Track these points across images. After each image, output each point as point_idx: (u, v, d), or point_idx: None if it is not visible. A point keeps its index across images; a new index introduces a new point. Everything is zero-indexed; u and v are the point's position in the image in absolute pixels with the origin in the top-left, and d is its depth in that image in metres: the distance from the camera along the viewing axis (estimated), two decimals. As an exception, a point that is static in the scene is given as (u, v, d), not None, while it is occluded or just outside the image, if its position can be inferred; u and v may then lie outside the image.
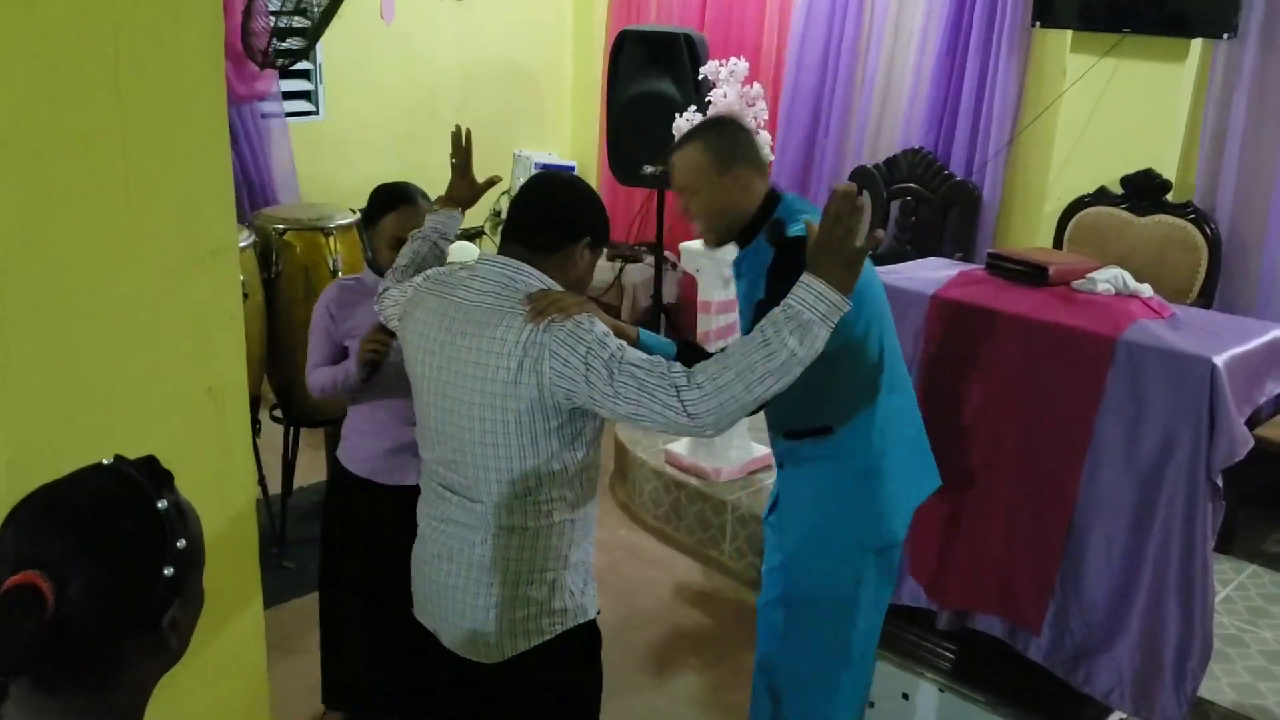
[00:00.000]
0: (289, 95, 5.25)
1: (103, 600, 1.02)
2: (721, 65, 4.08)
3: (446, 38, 5.72)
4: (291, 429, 4.13)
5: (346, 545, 2.83)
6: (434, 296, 2.02)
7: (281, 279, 3.87)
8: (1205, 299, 4.05)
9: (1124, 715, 2.89)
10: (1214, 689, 2.96)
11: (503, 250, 2.01)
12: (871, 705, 3.11)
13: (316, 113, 5.36)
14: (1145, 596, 2.59)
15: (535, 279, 1.95)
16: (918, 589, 3.00)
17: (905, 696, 3.08)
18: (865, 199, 1.84)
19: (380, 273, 2.73)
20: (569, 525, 2.00)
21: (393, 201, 2.71)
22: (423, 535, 2.11)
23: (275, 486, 4.09)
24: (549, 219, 2.00)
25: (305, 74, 5.29)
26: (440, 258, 2.43)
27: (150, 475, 1.09)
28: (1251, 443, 2.48)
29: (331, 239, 3.93)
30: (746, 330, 2.39)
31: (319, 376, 2.74)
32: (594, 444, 2.00)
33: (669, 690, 3.44)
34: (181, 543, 1.08)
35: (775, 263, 2.20)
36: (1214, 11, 3.98)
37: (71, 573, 1.01)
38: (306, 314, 3.78)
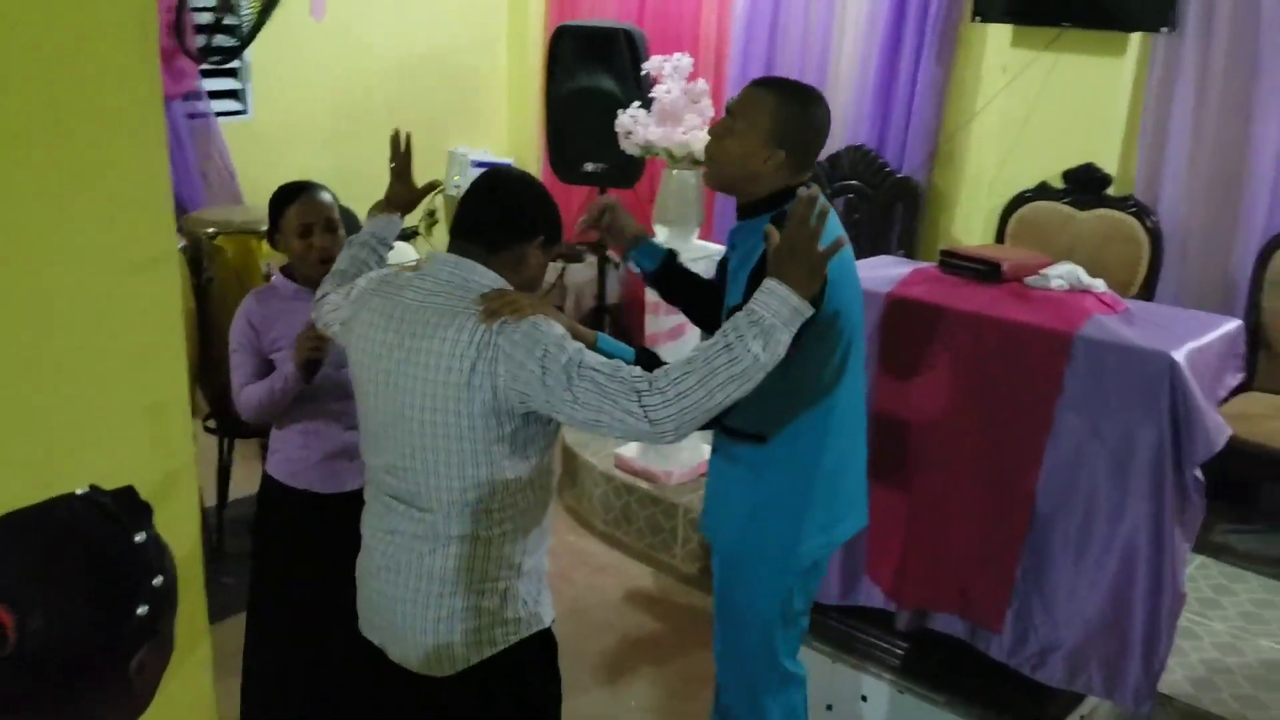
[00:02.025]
0: (216, 95, 5.09)
1: (68, 637, 0.94)
2: (665, 61, 4.02)
3: (378, 34, 5.59)
4: (226, 440, 4.00)
5: (285, 560, 2.72)
6: (380, 298, 1.95)
7: (214, 285, 3.75)
8: (1147, 292, 4.09)
9: (1084, 714, 2.89)
10: (1170, 682, 2.97)
11: (452, 249, 1.94)
12: (830, 708, 3.09)
13: (245, 112, 5.21)
14: (1112, 589, 2.58)
15: (487, 279, 1.89)
16: (874, 589, 2.97)
17: (864, 698, 3.05)
18: (826, 204, 1.81)
19: (291, 277, 2.63)
20: (522, 533, 1.94)
21: (289, 194, 2.61)
22: (368, 547, 2.03)
23: (210, 499, 3.95)
24: (501, 217, 1.94)
25: (233, 72, 5.13)
26: (380, 263, 2.34)
27: (128, 507, 1.02)
28: (1229, 431, 2.48)
29: (264, 242, 3.80)
30: (736, 298, 2.30)
31: (251, 394, 2.57)
32: (548, 450, 1.95)
33: (623, 698, 3.38)
34: (158, 580, 1.00)
35: (761, 266, 2.11)
36: (1150, 6, 4.01)
37: (35, 605, 0.92)
38: (239, 321, 3.71)
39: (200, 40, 4.24)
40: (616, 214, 2.45)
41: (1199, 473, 2.47)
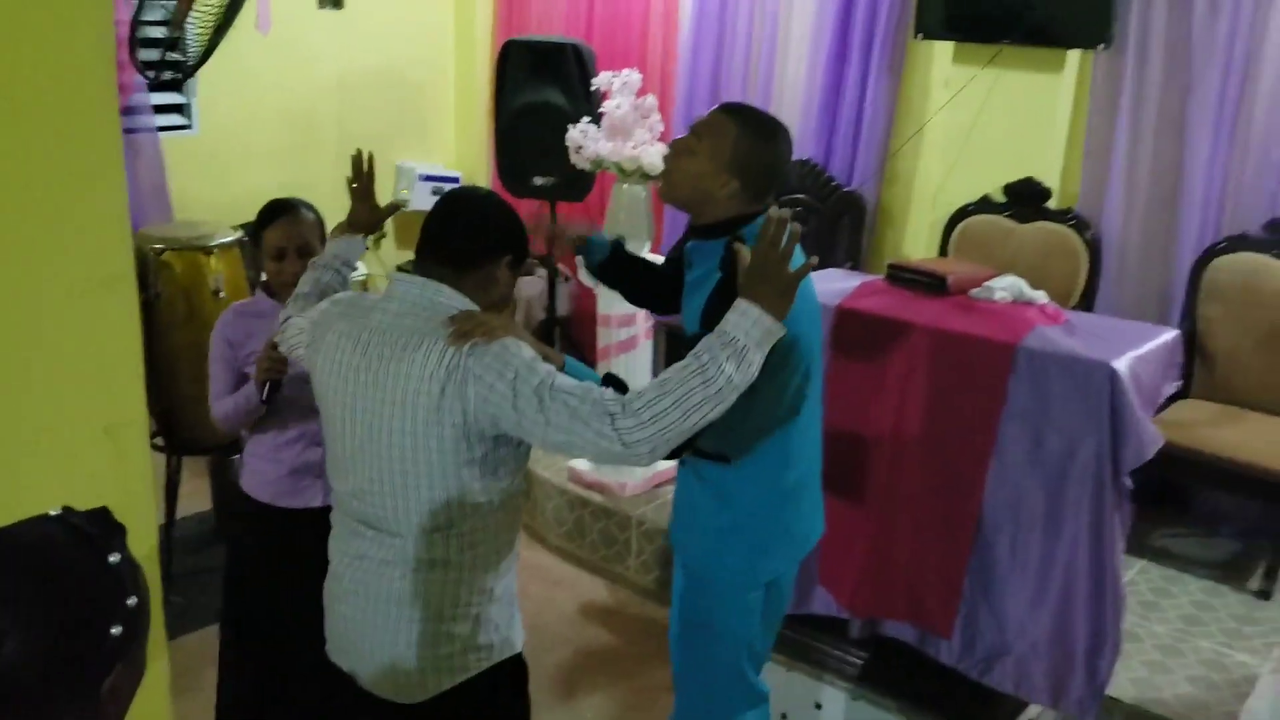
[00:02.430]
0: (161, 109, 5.03)
1: (41, 657, 0.93)
2: (615, 76, 4.06)
3: (325, 48, 5.57)
4: (173, 457, 3.96)
5: (254, 574, 2.71)
6: (345, 321, 1.93)
7: (160, 301, 3.70)
8: (1086, 303, 4.19)
9: (1033, 716, 2.95)
10: (1114, 685, 3.01)
11: (418, 270, 1.92)
12: (784, 717, 3.12)
13: (190, 127, 5.15)
14: (1056, 596, 2.65)
15: (456, 300, 1.87)
16: (829, 598, 3.01)
17: (818, 706, 3.09)
18: (798, 226, 1.82)
19: (271, 293, 2.65)
20: (494, 557, 1.93)
21: (272, 214, 2.63)
22: (335, 573, 2.00)
23: (159, 517, 3.91)
24: (469, 236, 1.92)
25: (178, 86, 5.08)
26: (344, 285, 2.33)
27: (101, 528, 1.01)
28: (1162, 441, 2.55)
29: (213, 258, 3.78)
30: (685, 321, 2.34)
31: (222, 406, 2.62)
32: (518, 472, 1.94)
33: (579, 711, 3.39)
34: (132, 600, 0.99)
35: (715, 294, 2.14)
36: (1087, 24, 4.10)
37: (9, 628, 0.92)
38: (188, 337, 3.69)
39: (150, 55, 4.19)
40: (547, 227, 2.53)
41: (1128, 479, 2.54)
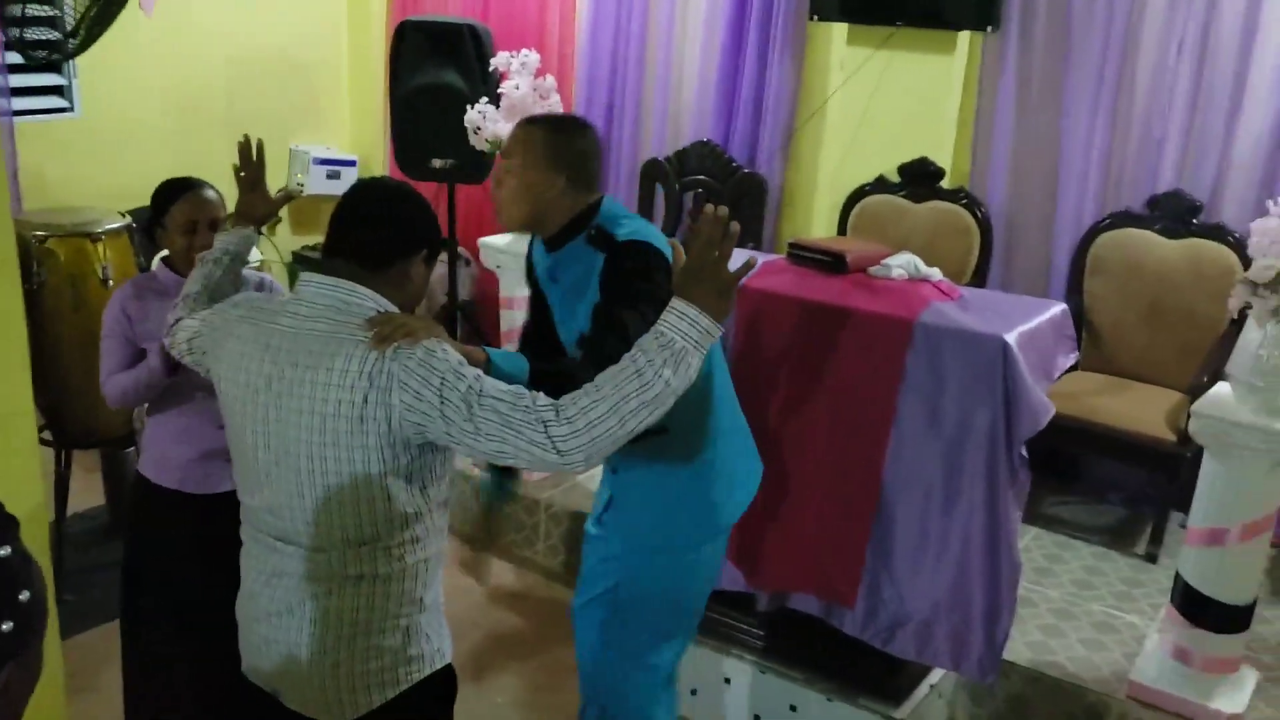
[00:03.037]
0: (38, 91, 4.84)
1: None
2: (513, 57, 4.02)
3: (212, 29, 5.40)
4: (63, 452, 3.83)
5: (157, 565, 2.63)
6: (249, 325, 1.82)
7: (45, 290, 3.57)
8: (979, 279, 4.29)
9: (934, 684, 3.03)
10: (1010, 649, 3.11)
11: (327, 269, 1.81)
12: (694, 693, 3.15)
13: (71, 109, 4.97)
14: (953, 564, 2.72)
15: (371, 300, 1.78)
16: (737, 574, 3.05)
17: (726, 681, 3.13)
18: (736, 225, 1.80)
19: (175, 269, 2.57)
20: (422, 566, 1.84)
21: (175, 190, 2.55)
22: (252, 593, 1.89)
23: (49, 513, 3.78)
24: (382, 231, 1.82)
25: (56, 68, 4.89)
26: (235, 283, 2.23)
27: None
28: (1053, 410, 2.62)
29: (100, 245, 3.66)
30: (568, 338, 2.35)
31: (118, 381, 2.52)
32: (444, 479, 1.85)
33: (489, 694, 3.38)
34: (24, 595, 0.95)
35: (610, 266, 2.16)
36: (976, 6, 4.20)
37: None
38: (76, 327, 3.56)
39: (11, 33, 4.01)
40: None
41: (1024, 449, 2.62)
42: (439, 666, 1.91)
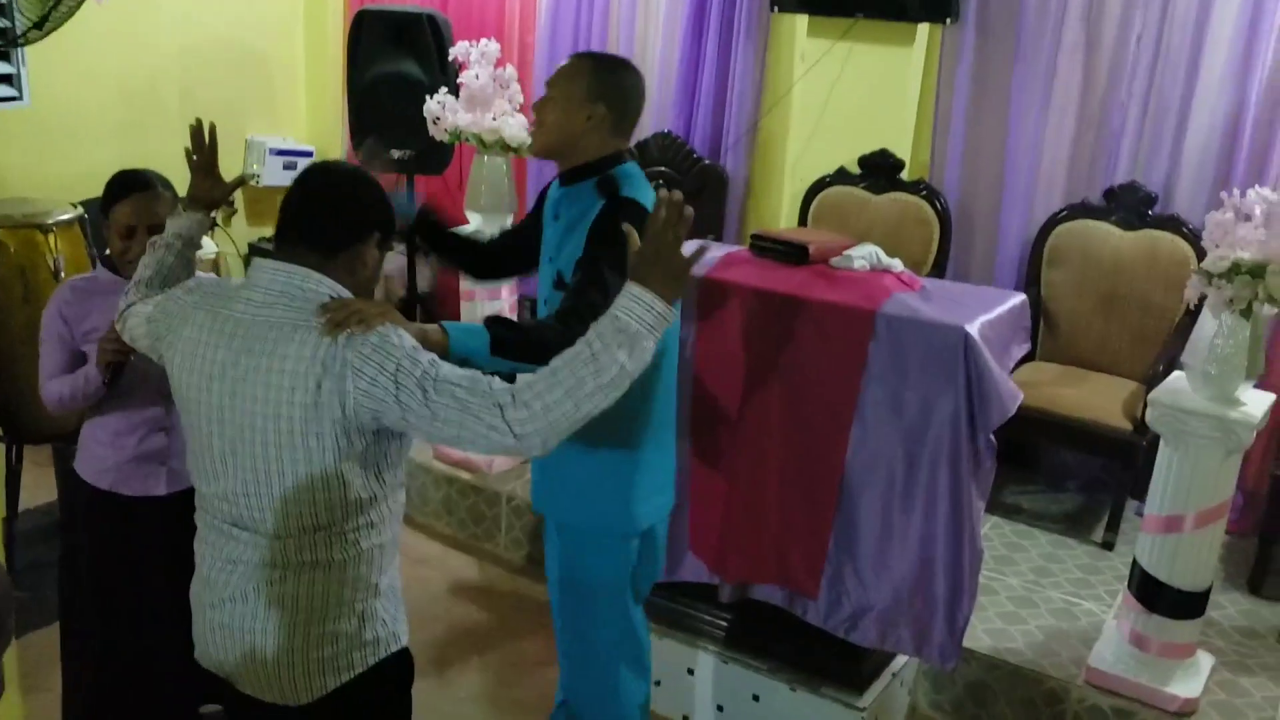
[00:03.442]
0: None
1: None
2: (472, 47, 3.99)
3: (166, 18, 5.31)
4: (14, 446, 3.76)
5: (92, 565, 2.59)
6: (203, 311, 1.81)
7: (-7, 282, 3.50)
8: (939, 270, 4.32)
9: (895, 672, 3.05)
10: (970, 636, 3.14)
11: (279, 255, 1.80)
12: (658, 683, 3.15)
13: (20, 98, 4.86)
14: (915, 554, 2.73)
15: (324, 285, 1.77)
16: (699, 565, 3.05)
17: (690, 671, 3.13)
18: (690, 210, 1.80)
19: (114, 269, 2.51)
20: (378, 551, 1.85)
21: (125, 188, 2.47)
22: (207, 579, 1.88)
23: (-1, 510, 3.72)
24: (333, 215, 1.81)
25: (5, 55, 4.79)
26: (188, 267, 2.21)
27: None
28: (1021, 396, 2.64)
29: (51, 236, 3.59)
30: (547, 277, 2.37)
31: (56, 387, 2.47)
32: (400, 464, 1.86)
33: (451, 689, 3.36)
34: None
35: (604, 214, 2.20)
36: (935, -2, 4.23)
37: None
38: (26, 319, 3.49)
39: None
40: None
41: (991, 437, 2.63)
42: (394, 650, 1.92)
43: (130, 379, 2.42)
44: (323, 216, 1.81)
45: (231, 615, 1.83)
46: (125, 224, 2.45)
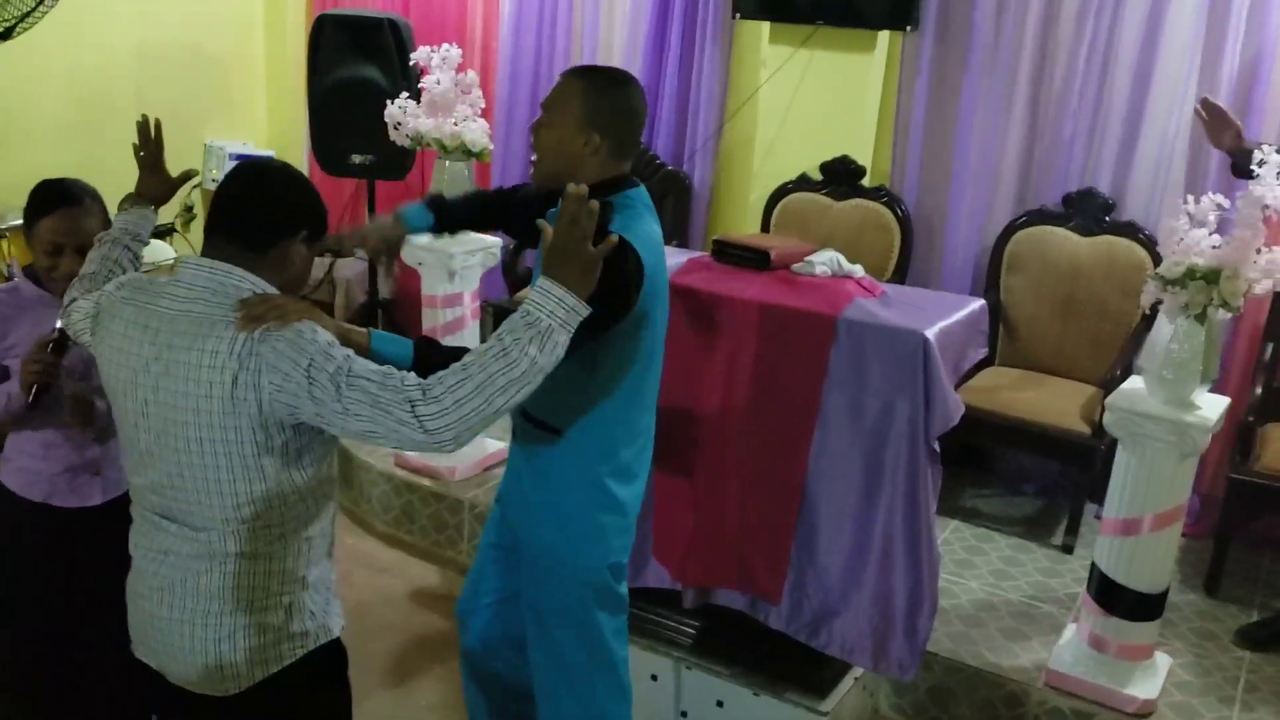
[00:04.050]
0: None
1: None
2: (434, 51, 3.97)
3: (119, 20, 5.25)
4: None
5: (23, 580, 2.52)
6: (132, 306, 1.81)
7: (-56, 288, 3.43)
8: (900, 275, 4.35)
9: (858, 676, 3.06)
10: (932, 640, 3.15)
11: (207, 251, 1.81)
12: (622, 691, 3.14)
13: (-31, 100, 4.80)
14: (876, 558, 2.74)
15: (247, 282, 1.77)
16: (662, 571, 3.04)
17: (654, 678, 3.12)
18: (595, 204, 1.80)
19: (37, 280, 2.43)
20: (305, 545, 1.87)
21: (49, 203, 2.36)
22: (139, 569, 1.90)
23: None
24: (260, 212, 1.81)
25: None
26: (134, 262, 2.20)
27: None
28: (963, 409, 2.67)
29: (4, 242, 3.54)
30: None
31: None
32: (326, 457, 1.87)
33: (412, 697, 3.33)
34: None
35: None
36: (894, 6, 4.25)
37: None
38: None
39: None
40: (349, 240, 2.46)
41: (936, 444, 2.66)
42: (323, 642, 1.93)
43: (56, 395, 2.35)
44: (250, 212, 1.82)
45: (160, 605, 1.85)
46: (51, 241, 2.35)
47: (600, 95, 2.19)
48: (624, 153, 2.24)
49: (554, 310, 1.75)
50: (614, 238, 1.86)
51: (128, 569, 1.94)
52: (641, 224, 2.19)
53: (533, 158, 2.28)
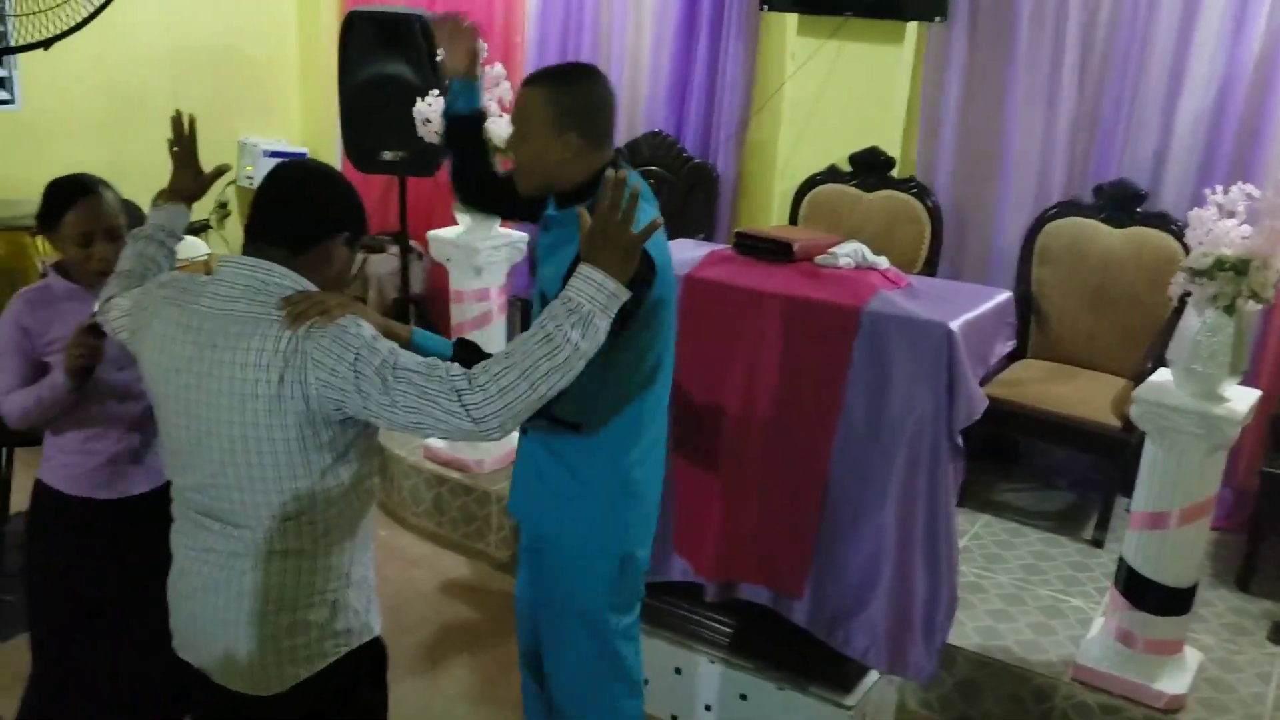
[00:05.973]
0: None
1: None
2: (460, 47, 3.98)
3: (156, 20, 5.33)
4: (4, 449, 3.75)
5: (71, 574, 2.56)
6: (173, 306, 1.83)
7: (-18, 285, 3.50)
8: (930, 268, 4.32)
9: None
10: (959, 634, 3.16)
11: (248, 250, 1.82)
12: (646, 682, 3.15)
13: (13, 101, 4.88)
14: (894, 555, 2.73)
15: (289, 280, 1.78)
16: (685, 565, 3.05)
17: (678, 671, 3.13)
18: (636, 187, 1.80)
19: (68, 275, 2.47)
20: (348, 542, 1.87)
21: (68, 196, 2.42)
22: (181, 569, 1.90)
23: (-11, 513, 3.71)
24: (302, 213, 1.83)
25: (-3, 59, 4.80)
26: (170, 258, 2.22)
27: None
28: (986, 403, 2.65)
29: (39, 239, 3.60)
30: (552, 282, 2.26)
31: (19, 399, 2.40)
32: (368, 454, 1.88)
33: (441, 688, 3.36)
34: None
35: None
36: (925, -4, 4.23)
37: None
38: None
39: None
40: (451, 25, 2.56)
41: (959, 438, 2.64)
42: (366, 640, 1.94)
43: (99, 380, 2.39)
44: (291, 212, 1.83)
45: (203, 605, 1.85)
46: (81, 231, 2.40)
47: (563, 95, 2.17)
48: (602, 144, 2.23)
49: (594, 295, 1.75)
50: (659, 219, 1.85)
51: (169, 563, 1.95)
52: (639, 211, 2.20)
53: (508, 169, 2.28)
